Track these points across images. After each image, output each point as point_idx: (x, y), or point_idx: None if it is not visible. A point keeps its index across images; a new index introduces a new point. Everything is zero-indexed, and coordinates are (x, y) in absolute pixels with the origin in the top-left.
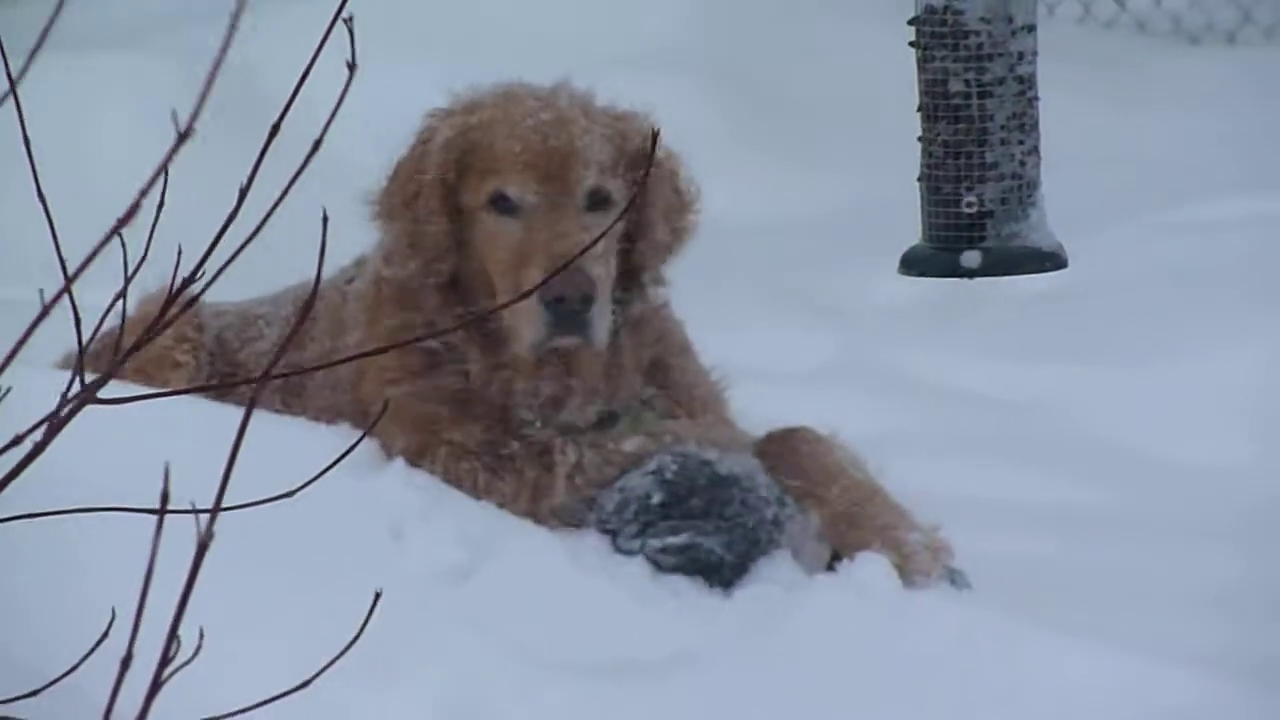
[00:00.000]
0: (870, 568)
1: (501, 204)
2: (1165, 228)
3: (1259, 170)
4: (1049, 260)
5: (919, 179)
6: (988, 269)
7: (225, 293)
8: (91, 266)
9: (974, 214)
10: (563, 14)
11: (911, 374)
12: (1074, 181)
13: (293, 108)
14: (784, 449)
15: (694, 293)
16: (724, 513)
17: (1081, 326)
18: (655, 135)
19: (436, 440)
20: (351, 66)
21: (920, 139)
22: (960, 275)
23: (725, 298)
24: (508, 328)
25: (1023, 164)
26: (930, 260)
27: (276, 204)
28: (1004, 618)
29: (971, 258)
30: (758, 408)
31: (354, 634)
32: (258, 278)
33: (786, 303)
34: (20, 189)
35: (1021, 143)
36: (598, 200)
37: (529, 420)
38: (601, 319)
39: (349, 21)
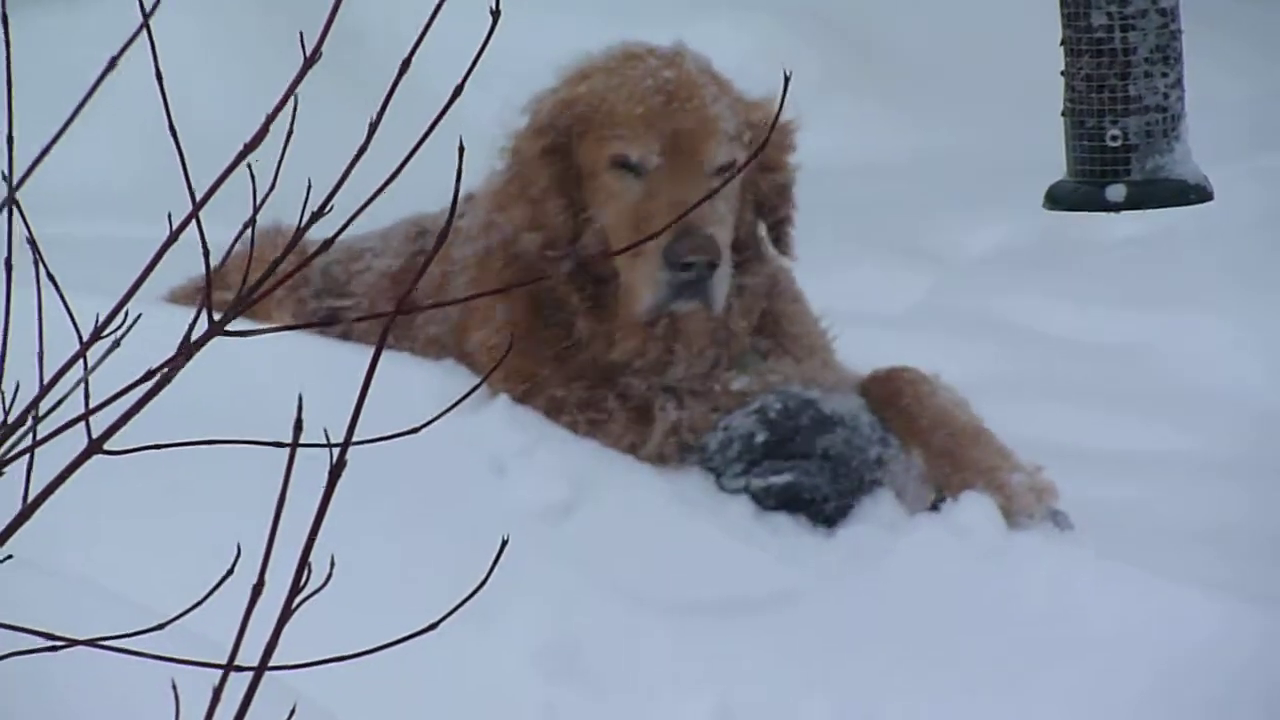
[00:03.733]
0: (973, 508)
1: (624, 165)
2: (1259, 173)
3: None
4: (1194, 193)
5: (1062, 114)
6: (1133, 202)
7: (330, 229)
8: (196, 202)
9: (1119, 147)
10: None
11: (1003, 318)
12: None
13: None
14: (888, 389)
15: None
16: (827, 452)
17: (1172, 272)
18: (787, 80)
19: (537, 392)
20: (495, 13)
21: (1063, 73)
22: (1106, 209)
23: (818, 240)
24: (625, 289)
25: (1166, 96)
26: (1075, 195)
27: (415, 148)
28: (1104, 559)
29: (1116, 191)
30: (850, 350)
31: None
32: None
33: (880, 246)
34: (104, 130)
35: (1165, 75)
36: (724, 169)
37: (634, 383)
38: (722, 285)
39: None
